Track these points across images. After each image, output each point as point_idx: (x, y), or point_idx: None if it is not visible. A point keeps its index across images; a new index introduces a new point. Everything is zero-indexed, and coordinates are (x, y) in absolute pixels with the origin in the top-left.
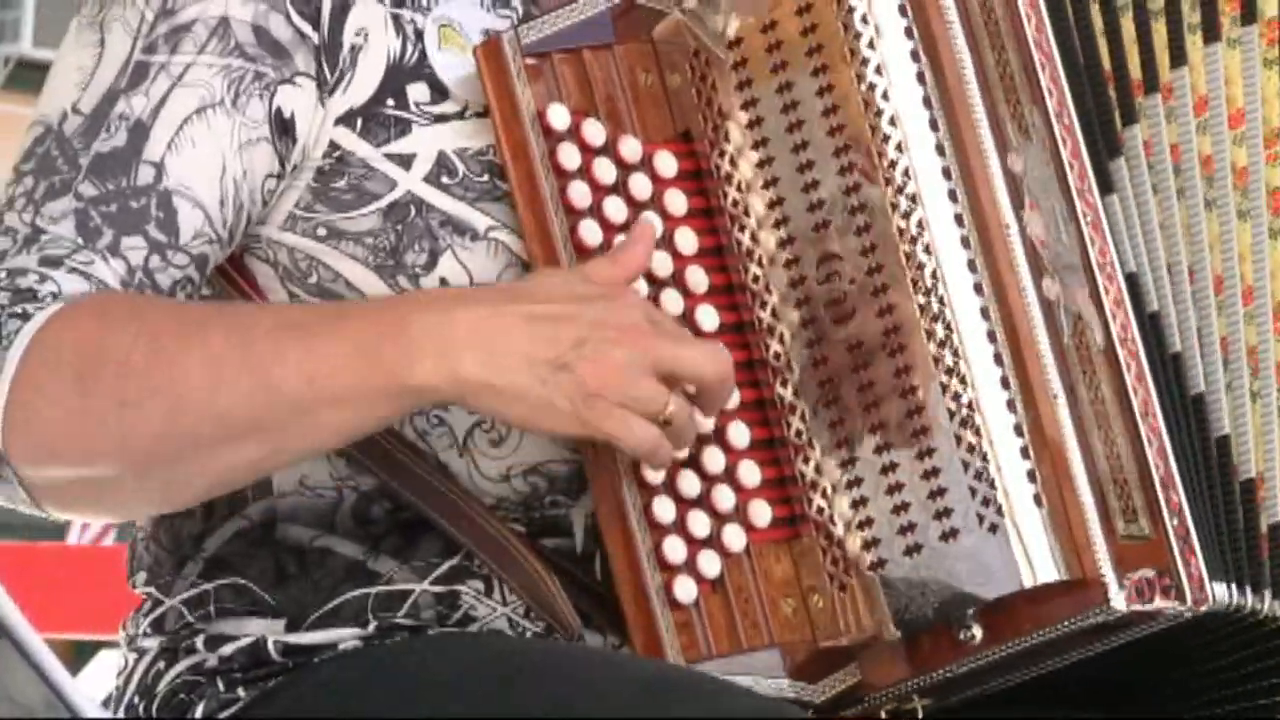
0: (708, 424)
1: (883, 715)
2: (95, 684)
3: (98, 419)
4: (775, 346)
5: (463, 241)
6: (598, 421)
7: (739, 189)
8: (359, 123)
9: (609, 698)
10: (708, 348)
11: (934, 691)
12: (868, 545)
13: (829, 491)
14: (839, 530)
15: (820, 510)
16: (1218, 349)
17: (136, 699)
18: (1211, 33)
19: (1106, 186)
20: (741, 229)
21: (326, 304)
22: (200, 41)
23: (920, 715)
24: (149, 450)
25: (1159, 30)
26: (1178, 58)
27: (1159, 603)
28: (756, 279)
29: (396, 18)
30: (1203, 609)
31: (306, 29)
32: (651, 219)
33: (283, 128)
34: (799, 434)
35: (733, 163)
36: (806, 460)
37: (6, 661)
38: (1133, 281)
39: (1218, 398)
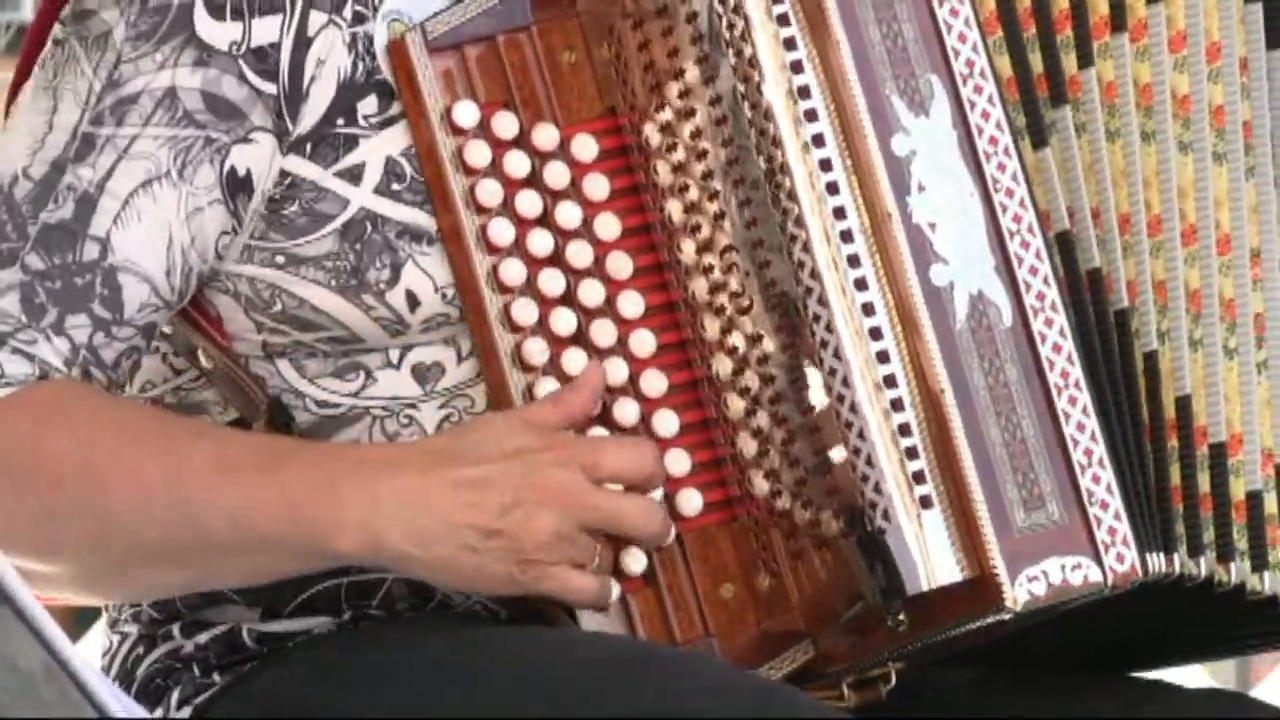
0: (632, 415)
1: (845, 687)
2: (95, 650)
3: (28, 521)
4: (704, 329)
5: (421, 248)
6: (534, 584)
7: (668, 165)
8: (308, 148)
9: (577, 674)
10: (640, 502)
11: (902, 659)
12: (799, 528)
13: (776, 464)
14: (785, 503)
15: (764, 486)
16: (1183, 303)
17: (118, 682)
18: None
19: (1041, 140)
20: (678, 203)
21: (262, 444)
22: (146, 114)
23: (893, 679)
24: (76, 560)
25: None
26: None
27: (1072, 588)
28: (682, 259)
29: (353, 36)
30: (1131, 584)
31: (264, 85)
32: (594, 371)
33: (238, 186)
34: (729, 416)
35: (668, 129)
36: (736, 441)
37: (7, 627)
38: (1064, 240)
39: (1180, 356)
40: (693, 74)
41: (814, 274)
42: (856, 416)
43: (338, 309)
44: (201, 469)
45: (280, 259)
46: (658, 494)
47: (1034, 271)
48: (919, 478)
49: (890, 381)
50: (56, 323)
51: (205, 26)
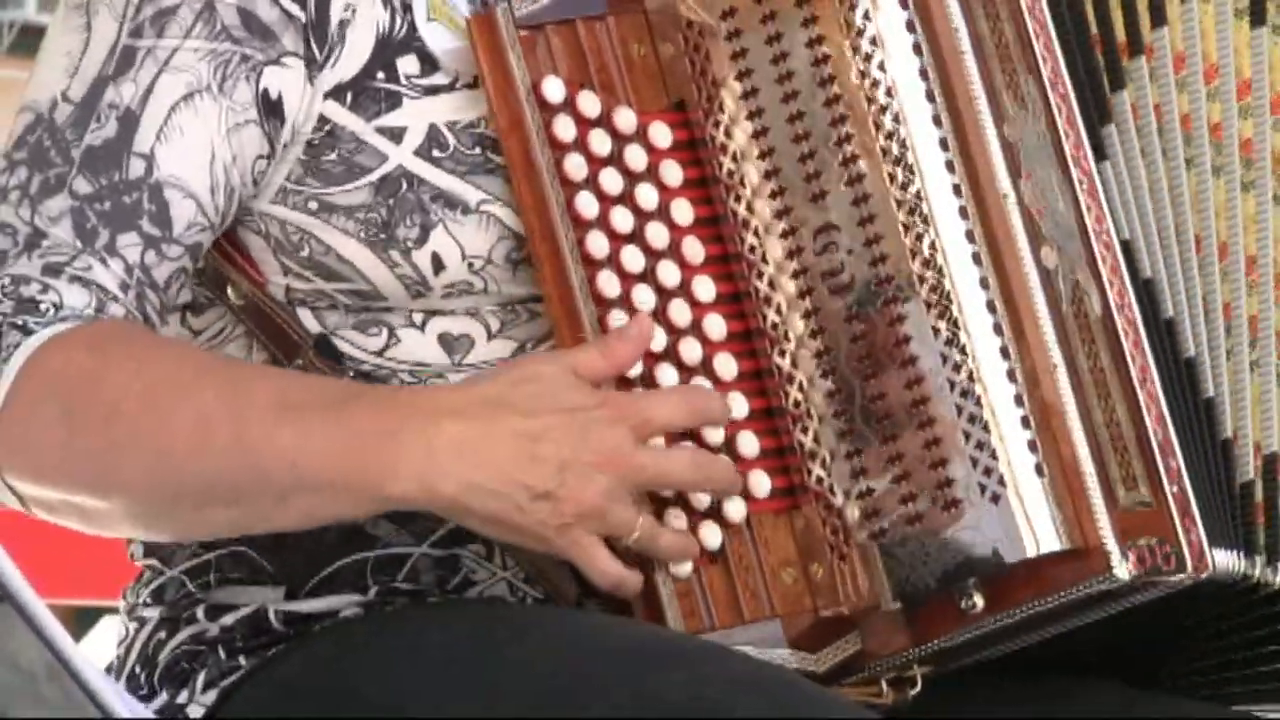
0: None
1: (884, 683)
2: (98, 649)
3: (83, 456)
4: (772, 316)
5: (454, 215)
6: (566, 549)
7: (734, 159)
8: (349, 96)
9: (602, 661)
10: (684, 457)
11: (933, 660)
12: (868, 515)
13: (828, 461)
14: (838, 500)
15: (819, 480)
16: (1220, 315)
17: (138, 669)
18: None
19: (1100, 153)
20: (737, 199)
21: (326, 385)
22: (186, 26)
23: (919, 683)
24: (129, 494)
25: None
26: (1158, 17)
27: (1163, 569)
28: (753, 249)
29: None
30: (1204, 575)
31: (293, 9)
32: (644, 322)
33: (270, 108)
34: (797, 404)
35: (727, 132)
36: (805, 430)
37: (9, 626)
38: (1127, 248)
39: (1208, 363)
40: (797, 61)
41: (931, 247)
42: (974, 386)
43: (363, 260)
44: (263, 407)
45: (314, 205)
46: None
47: (1115, 271)
48: (1032, 447)
49: (1005, 353)
50: (109, 244)
51: None
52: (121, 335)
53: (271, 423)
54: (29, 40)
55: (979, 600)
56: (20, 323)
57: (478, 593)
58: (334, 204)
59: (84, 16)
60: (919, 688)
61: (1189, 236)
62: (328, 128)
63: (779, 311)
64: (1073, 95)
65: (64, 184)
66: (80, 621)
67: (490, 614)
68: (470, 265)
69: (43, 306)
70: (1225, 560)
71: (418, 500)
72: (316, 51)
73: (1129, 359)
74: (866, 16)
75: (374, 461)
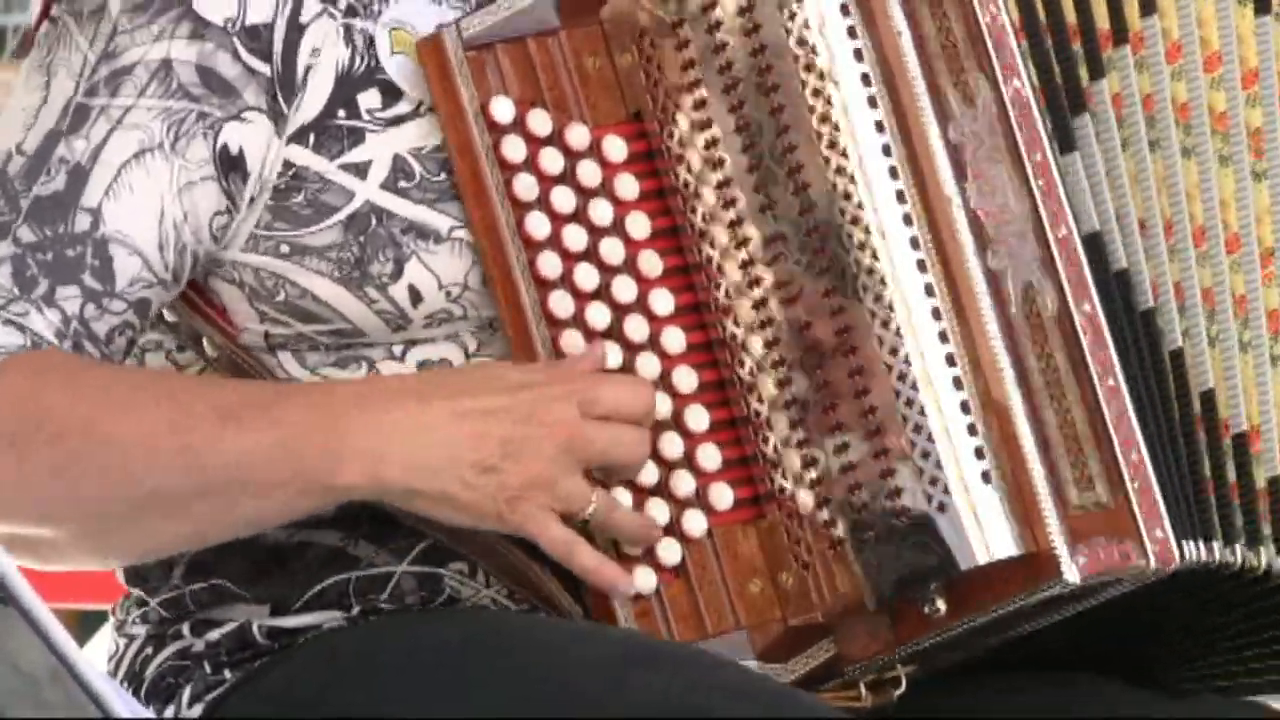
0: (663, 410)
1: (862, 686)
2: (101, 653)
3: (30, 484)
4: (731, 328)
5: (426, 246)
6: (519, 522)
7: (688, 169)
8: (311, 138)
9: (593, 668)
10: (632, 434)
11: (917, 659)
12: (829, 523)
13: (791, 469)
14: (805, 507)
15: (781, 490)
16: (1199, 302)
17: (126, 684)
18: None
19: (1068, 144)
20: (693, 210)
21: (261, 388)
22: (140, 85)
23: (904, 683)
24: (78, 518)
25: None
26: (1147, 6)
27: (1118, 568)
28: (709, 259)
29: (348, 28)
30: (1171, 569)
31: (257, 64)
32: (598, 349)
33: (230, 164)
34: (758, 413)
35: (681, 142)
36: (766, 440)
37: (13, 630)
38: (1094, 241)
39: (1201, 352)
40: (714, 76)
41: (875, 256)
42: (916, 394)
43: (340, 300)
44: (203, 414)
45: (285, 249)
46: (690, 484)
47: (1073, 266)
48: (979, 454)
49: (950, 360)
50: (47, 294)
51: (201, 1)
52: (57, 361)
53: (212, 429)
54: None
55: (941, 605)
56: None
57: (462, 607)
58: (305, 246)
59: (44, 76)
60: (904, 687)
61: (1184, 228)
62: (292, 171)
63: (737, 322)
64: (1031, 90)
65: (8, 231)
66: (83, 625)
67: (476, 622)
68: (448, 294)
69: None
70: (1195, 552)
71: (365, 488)
72: (283, 105)
73: (1087, 356)
74: (806, 25)
75: (317, 454)
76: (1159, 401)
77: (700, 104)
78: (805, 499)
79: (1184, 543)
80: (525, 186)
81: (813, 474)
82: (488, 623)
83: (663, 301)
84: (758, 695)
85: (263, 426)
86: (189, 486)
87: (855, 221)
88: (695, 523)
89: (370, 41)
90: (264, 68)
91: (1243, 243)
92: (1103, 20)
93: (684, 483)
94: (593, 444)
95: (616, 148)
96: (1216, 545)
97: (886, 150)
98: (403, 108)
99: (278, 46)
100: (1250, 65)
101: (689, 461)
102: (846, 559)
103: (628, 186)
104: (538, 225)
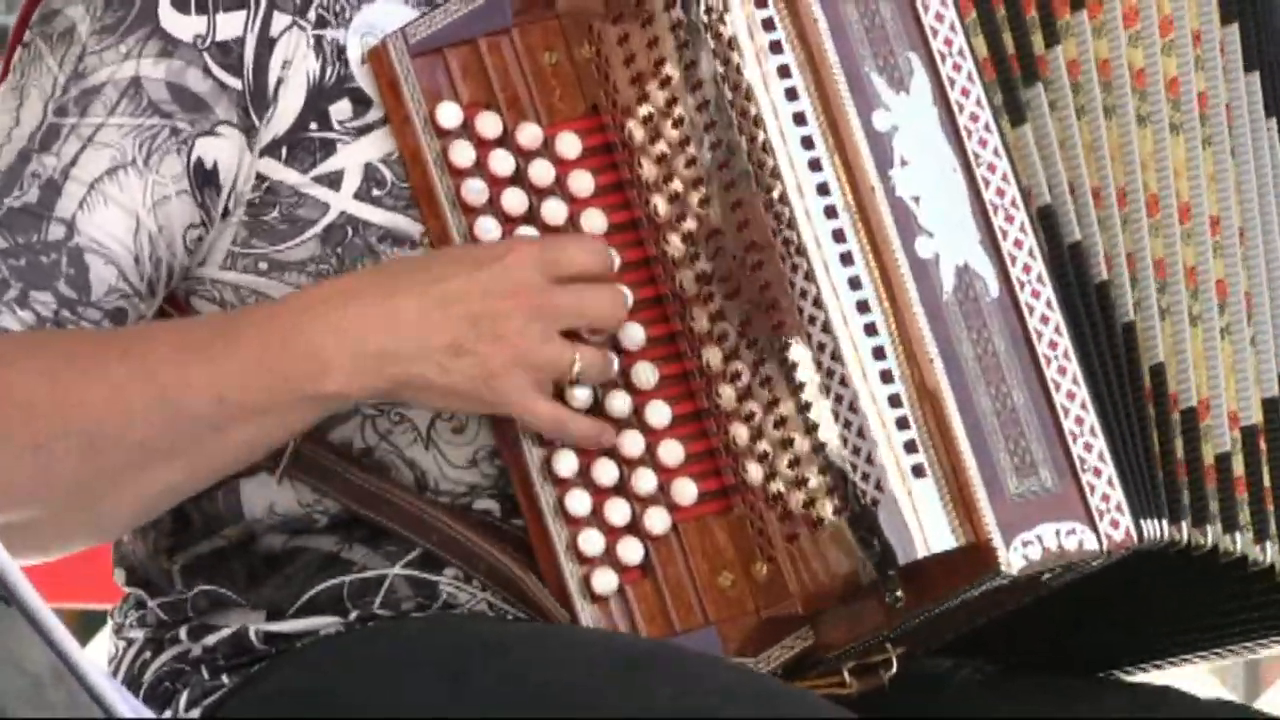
0: (624, 407)
1: (846, 673)
2: (102, 654)
3: (9, 465)
4: (688, 317)
5: (403, 252)
6: (501, 402)
7: (638, 162)
8: (284, 151)
9: (588, 673)
10: (603, 291)
11: (906, 639)
12: (783, 517)
13: (758, 458)
14: (778, 490)
15: (753, 479)
16: (1150, 273)
17: (125, 687)
18: None
19: (1019, 117)
20: (647, 202)
21: (217, 316)
22: (111, 103)
23: (894, 665)
24: (65, 489)
25: None
26: None
27: (1069, 555)
28: (664, 252)
29: (318, 39)
30: (1127, 550)
31: (228, 79)
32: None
33: (205, 178)
34: (718, 406)
35: (629, 135)
36: (728, 431)
37: (15, 630)
38: (1047, 215)
39: (1151, 325)
40: (673, 65)
41: (800, 250)
42: (847, 390)
43: None
44: (165, 357)
45: (263, 265)
46: (650, 482)
47: (1019, 245)
48: (910, 447)
49: (879, 353)
50: (20, 296)
51: (170, 19)
52: (18, 340)
53: (182, 368)
54: None
55: (902, 595)
56: None
57: (462, 612)
58: (284, 261)
59: (17, 99)
60: (894, 669)
61: (1138, 195)
62: (266, 185)
63: (692, 315)
64: (973, 64)
65: None
66: (85, 625)
67: (476, 627)
68: None
69: None
70: (1155, 530)
71: (350, 389)
72: (255, 119)
73: (1033, 336)
74: (721, 20)
75: (293, 366)
76: (1113, 378)
77: (642, 98)
78: (768, 492)
79: (1142, 523)
80: (475, 191)
81: (769, 471)
82: (488, 627)
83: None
84: (754, 694)
85: (229, 353)
86: (173, 431)
87: (778, 218)
88: (657, 520)
89: (340, 51)
90: (235, 82)
91: (1193, 213)
92: None
93: (645, 480)
94: (562, 306)
95: (571, 144)
96: (1165, 524)
97: (807, 142)
98: (372, 115)
99: (249, 61)
100: (1195, 28)
101: (651, 457)
102: (814, 546)
103: (582, 182)
104: (487, 228)
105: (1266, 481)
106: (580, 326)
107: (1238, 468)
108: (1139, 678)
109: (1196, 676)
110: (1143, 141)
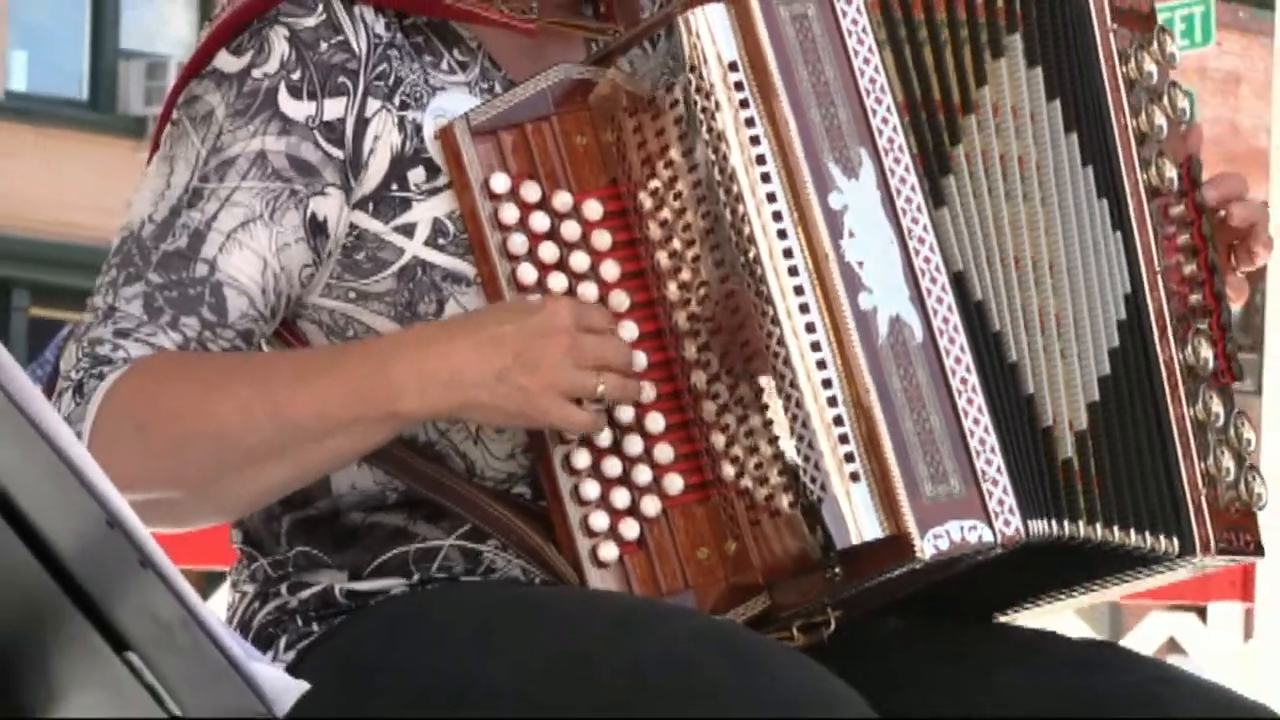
0: (628, 417)
1: (794, 629)
2: (222, 605)
3: (157, 457)
4: (680, 351)
5: (460, 289)
6: (541, 416)
7: (645, 225)
8: (371, 205)
9: (597, 624)
10: (615, 340)
11: (842, 605)
12: (749, 507)
13: (731, 459)
14: (746, 486)
15: (726, 476)
16: (1021, 320)
17: (238, 630)
18: (996, 48)
19: (939, 201)
20: (652, 255)
21: (322, 351)
22: (243, 171)
23: (833, 624)
24: (199, 479)
25: (966, 56)
26: (980, 77)
27: (971, 546)
28: (663, 296)
29: (401, 119)
30: (1017, 543)
31: (333, 150)
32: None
33: (316, 229)
34: (703, 419)
35: (638, 205)
36: (707, 439)
37: (152, 587)
38: (959, 279)
39: (1025, 362)
40: (675, 150)
41: (768, 300)
42: (801, 410)
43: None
44: (282, 381)
45: (352, 294)
46: (646, 476)
47: (940, 301)
48: (849, 458)
49: (827, 383)
50: (172, 320)
51: (287, 104)
52: (170, 359)
53: (295, 390)
54: None
55: (839, 571)
56: (97, 373)
57: (498, 576)
58: (368, 292)
59: (168, 167)
60: (833, 627)
61: (1010, 259)
62: (356, 232)
63: (682, 345)
64: (909, 157)
65: (140, 276)
66: (207, 583)
67: (512, 593)
68: None
69: (115, 360)
70: (1041, 528)
71: (421, 411)
72: (352, 180)
73: (949, 374)
74: (713, 117)
75: (379, 393)
76: (1006, 406)
77: (669, 165)
78: (738, 487)
79: (1029, 522)
80: (518, 243)
81: (739, 470)
82: (522, 593)
83: (628, 331)
84: (720, 637)
85: (332, 381)
86: (282, 438)
87: (754, 274)
88: (651, 505)
89: (418, 129)
90: (338, 153)
91: (1039, 264)
92: (955, 94)
93: (642, 474)
94: (586, 348)
95: (594, 209)
96: (1048, 522)
97: (778, 216)
98: (440, 180)
99: (348, 136)
100: (1031, 110)
101: (648, 457)
102: (772, 531)
103: (602, 240)
104: (527, 273)
105: (1094, 472)
106: (600, 365)
107: (1081, 466)
108: (1023, 623)
109: (1068, 620)
110: (1013, 213)
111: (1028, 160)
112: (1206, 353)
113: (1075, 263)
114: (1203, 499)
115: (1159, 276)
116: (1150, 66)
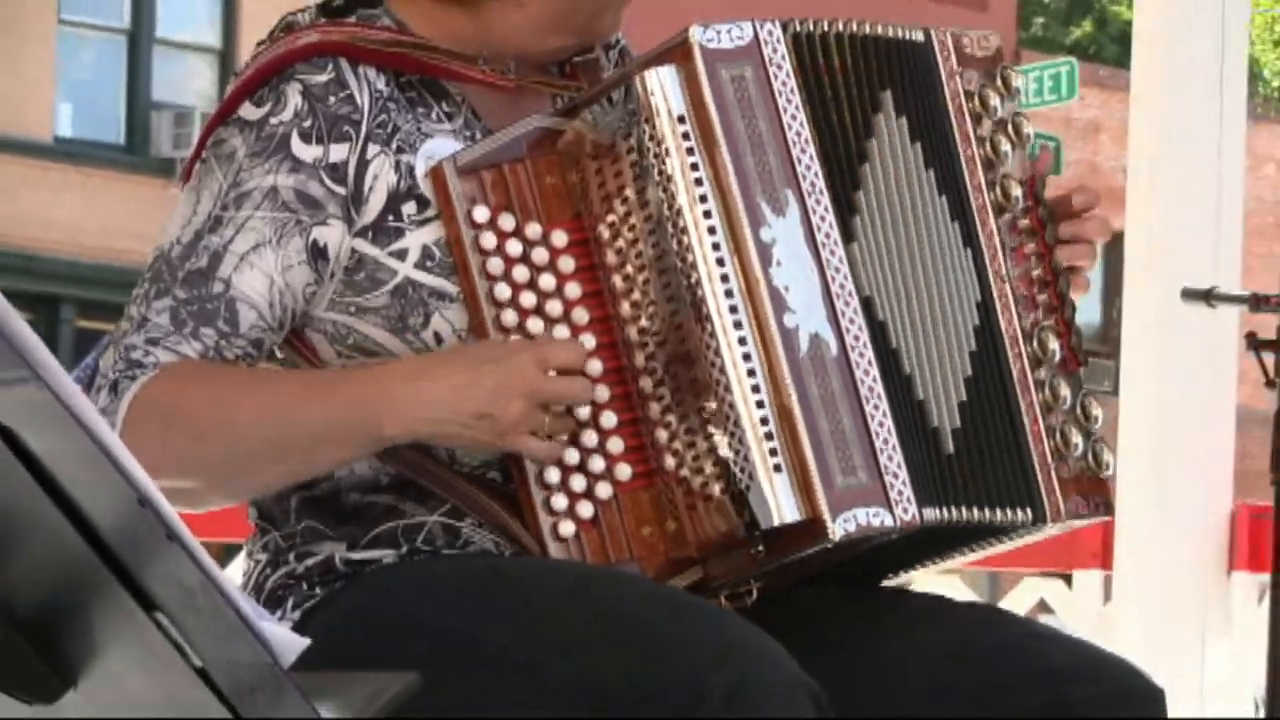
0: (584, 412)
1: (722, 598)
2: (238, 572)
3: (179, 450)
4: (631, 357)
5: (444, 305)
6: (509, 447)
7: (603, 253)
8: (370, 234)
9: (559, 587)
10: (577, 381)
11: (765, 578)
12: (687, 493)
13: (672, 452)
14: (684, 474)
15: (668, 466)
16: (922, 336)
17: (252, 594)
18: (875, 104)
19: (849, 236)
20: (608, 279)
21: (326, 374)
22: (256, 203)
23: (755, 594)
24: (210, 472)
25: (858, 112)
26: (868, 130)
27: (873, 528)
28: (618, 315)
29: (397, 161)
30: (914, 528)
31: (336, 188)
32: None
33: (318, 254)
34: (649, 417)
35: (598, 236)
36: (654, 434)
37: (176, 557)
38: (867, 302)
39: (916, 373)
40: (630, 189)
41: (707, 318)
42: (733, 411)
43: (389, 342)
44: (289, 396)
45: (352, 308)
46: (600, 465)
47: (852, 321)
48: (773, 452)
49: (755, 389)
50: (194, 330)
51: (298, 147)
52: (192, 366)
53: (300, 401)
54: None
55: (763, 549)
56: (131, 375)
57: (475, 549)
58: (366, 306)
59: (195, 197)
60: (755, 596)
61: (901, 284)
62: (357, 256)
63: (631, 355)
64: (829, 200)
65: (169, 291)
66: (226, 554)
67: (486, 562)
68: (459, 337)
69: (146, 364)
70: (933, 514)
71: (403, 436)
72: (354, 213)
73: (858, 383)
74: (663, 162)
75: (369, 416)
76: (905, 412)
77: (608, 211)
78: (677, 475)
79: (924, 509)
80: (495, 266)
81: (679, 461)
82: (491, 560)
83: (588, 341)
84: (669, 601)
85: (330, 400)
86: (288, 440)
87: (695, 295)
88: (604, 490)
89: (410, 169)
90: (341, 190)
91: (928, 289)
92: (854, 144)
93: (597, 463)
94: (548, 390)
95: (560, 238)
96: (940, 509)
97: (716, 246)
98: (429, 212)
99: (350, 175)
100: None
101: (601, 449)
102: (705, 513)
103: (567, 264)
104: (502, 291)
105: (967, 462)
106: (562, 402)
107: (958, 458)
108: (916, 588)
109: (954, 585)
110: (899, 244)
111: (904, 198)
112: (1053, 344)
113: (936, 281)
114: (1052, 473)
115: (1006, 284)
116: (994, 101)
